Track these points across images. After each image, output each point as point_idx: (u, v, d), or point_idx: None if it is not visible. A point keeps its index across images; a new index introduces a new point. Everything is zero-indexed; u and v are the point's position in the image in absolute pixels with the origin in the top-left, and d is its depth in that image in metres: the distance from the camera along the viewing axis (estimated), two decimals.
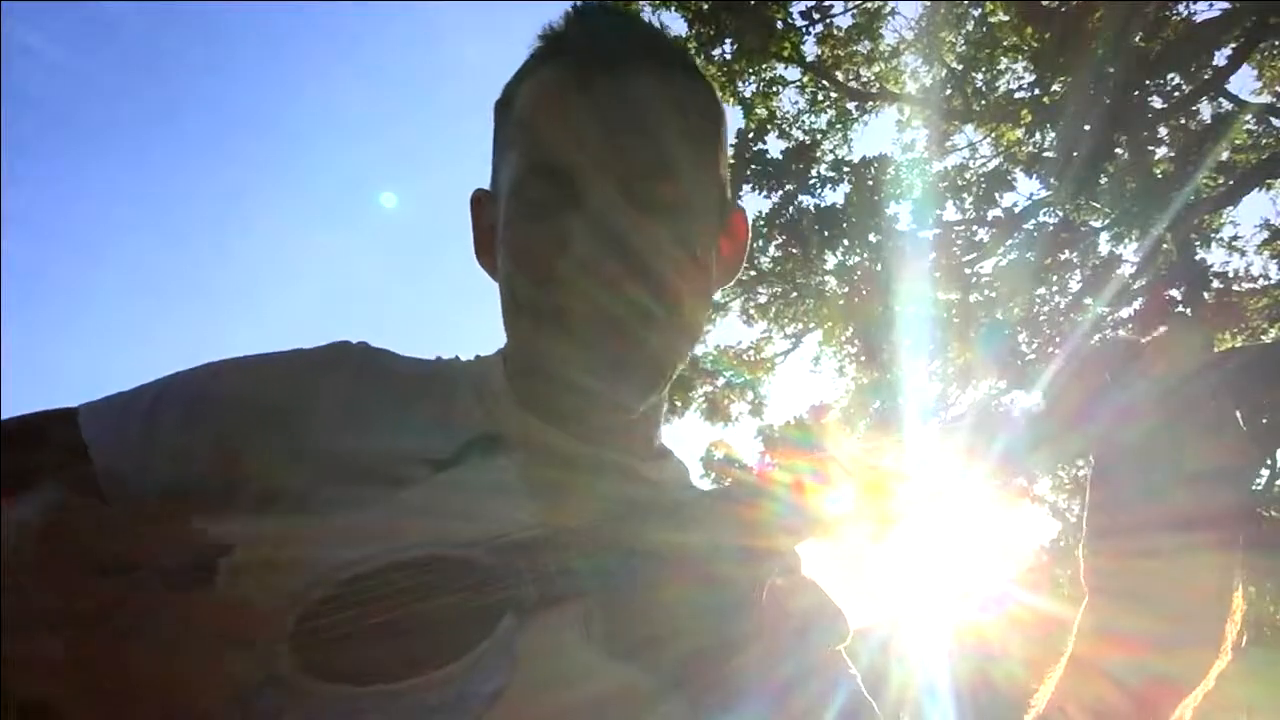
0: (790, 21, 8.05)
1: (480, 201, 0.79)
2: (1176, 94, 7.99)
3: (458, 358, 0.79)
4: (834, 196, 8.33)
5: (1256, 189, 7.97)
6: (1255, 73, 8.47)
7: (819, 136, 8.78)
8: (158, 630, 0.52)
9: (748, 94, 8.36)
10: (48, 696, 0.49)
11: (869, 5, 8.60)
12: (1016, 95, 8.64)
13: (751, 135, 8.35)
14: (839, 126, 8.89)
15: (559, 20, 0.73)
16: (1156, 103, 7.96)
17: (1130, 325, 8.62)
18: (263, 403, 0.67)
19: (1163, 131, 8.27)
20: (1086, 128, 7.28)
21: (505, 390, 0.74)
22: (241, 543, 0.57)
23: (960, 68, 8.90)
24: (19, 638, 0.49)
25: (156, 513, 0.59)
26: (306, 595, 0.56)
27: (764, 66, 8.25)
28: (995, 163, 9.03)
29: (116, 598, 0.51)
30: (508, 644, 0.56)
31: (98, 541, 0.54)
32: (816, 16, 8.22)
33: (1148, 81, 7.56)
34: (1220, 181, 7.95)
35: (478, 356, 0.79)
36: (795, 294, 8.91)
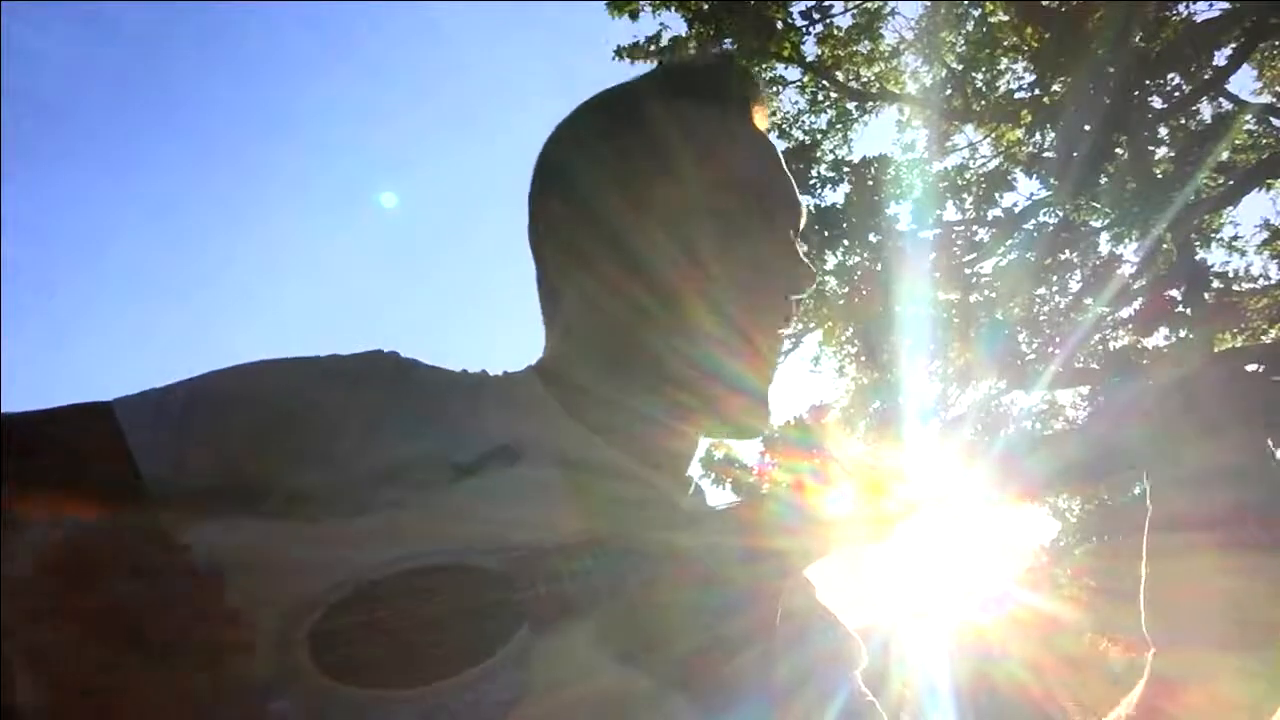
0: (790, 21, 8.05)
1: (553, 209, 0.81)
2: (1176, 94, 8.00)
3: (485, 371, 0.80)
4: (834, 196, 8.35)
5: (1256, 189, 7.98)
6: (1255, 73, 8.50)
7: (819, 136, 8.79)
8: (168, 639, 0.52)
9: None
10: (47, 703, 0.49)
11: (869, 5, 8.60)
12: (1016, 95, 8.65)
13: None
14: (839, 126, 8.90)
15: (710, 59, 0.84)
16: (1156, 103, 7.97)
17: (1130, 325, 8.64)
18: (294, 405, 0.67)
19: (1163, 131, 8.28)
20: (1086, 128, 7.29)
21: (535, 401, 0.75)
22: (262, 544, 0.58)
23: (960, 68, 8.91)
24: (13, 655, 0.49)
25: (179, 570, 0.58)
26: (325, 598, 0.56)
27: (764, 66, 8.25)
28: (995, 163, 9.04)
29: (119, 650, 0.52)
30: (524, 651, 0.57)
31: (110, 589, 0.54)
32: (816, 16, 8.23)
33: (1148, 81, 7.57)
34: (1220, 181, 7.96)
35: (505, 373, 0.80)
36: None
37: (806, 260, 0.77)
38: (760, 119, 0.81)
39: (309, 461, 0.65)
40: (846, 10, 8.47)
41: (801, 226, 0.80)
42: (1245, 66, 7.96)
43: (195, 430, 0.66)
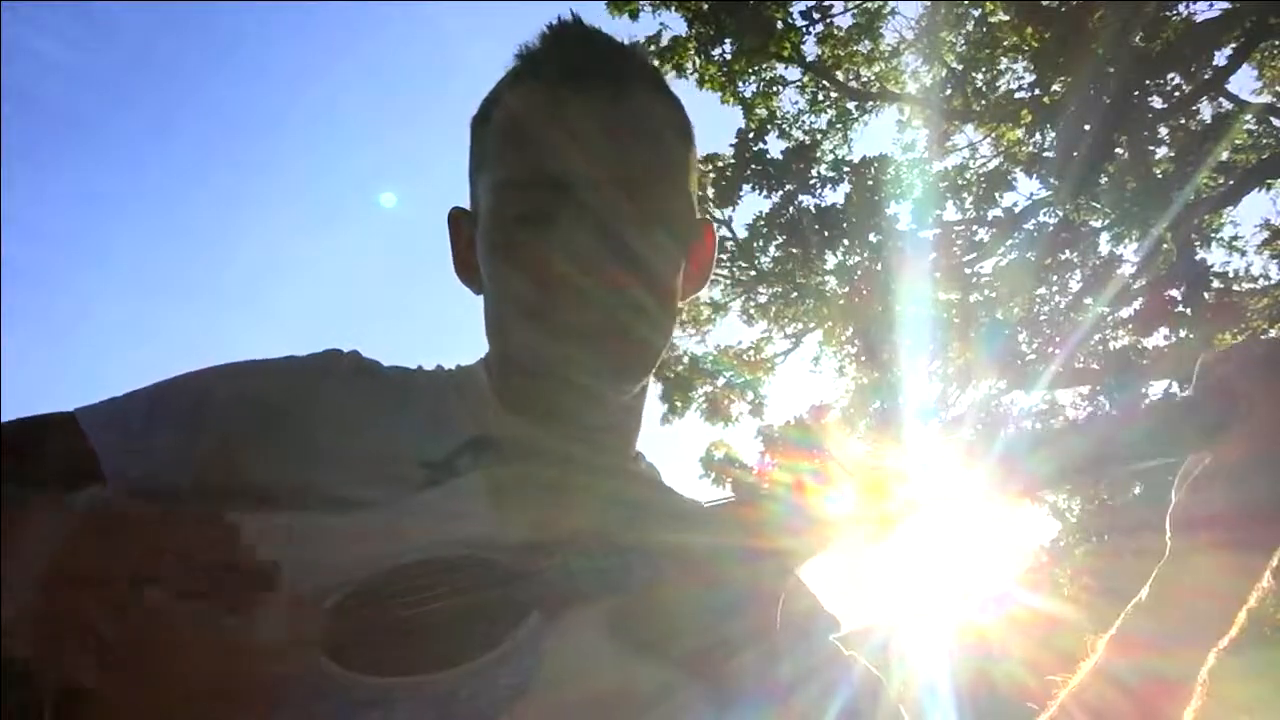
0: (790, 21, 8.05)
1: (458, 219, 0.81)
2: (1176, 94, 7.99)
3: (440, 367, 0.81)
4: (834, 196, 8.35)
5: (1256, 189, 7.98)
6: (1255, 73, 8.48)
7: (819, 136, 8.79)
8: (195, 628, 0.53)
9: (748, 94, 8.36)
10: (87, 685, 0.49)
11: (869, 5, 8.60)
12: (1016, 95, 8.65)
13: (751, 135, 8.35)
14: (839, 126, 8.89)
15: (537, 40, 0.76)
16: (1156, 103, 7.97)
17: (1130, 325, 8.64)
18: (260, 405, 0.68)
19: (1163, 131, 8.28)
20: (1086, 128, 7.29)
21: (491, 396, 0.76)
22: (264, 541, 0.58)
23: (960, 68, 8.91)
24: (64, 629, 0.50)
25: (200, 516, 0.59)
26: (336, 591, 0.57)
27: (764, 66, 8.25)
28: (995, 163, 9.04)
29: (160, 603, 0.52)
30: (533, 640, 0.58)
31: (142, 544, 0.55)
32: (816, 16, 8.22)
33: (1148, 81, 7.57)
34: (1220, 181, 7.96)
35: (458, 366, 0.81)
36: (795, 294, 8.92)
37: (577, 255, 0.68)
38: (599, 87, 0.71)
39: (275, 460, 0.66)
40: (846, 10, 8.47)
41: (609, 197, 0.69)
42: (1245, 66, 7.95)
43: (158, 434, 0.66)
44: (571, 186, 0.69)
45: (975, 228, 8.97)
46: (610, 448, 0.77)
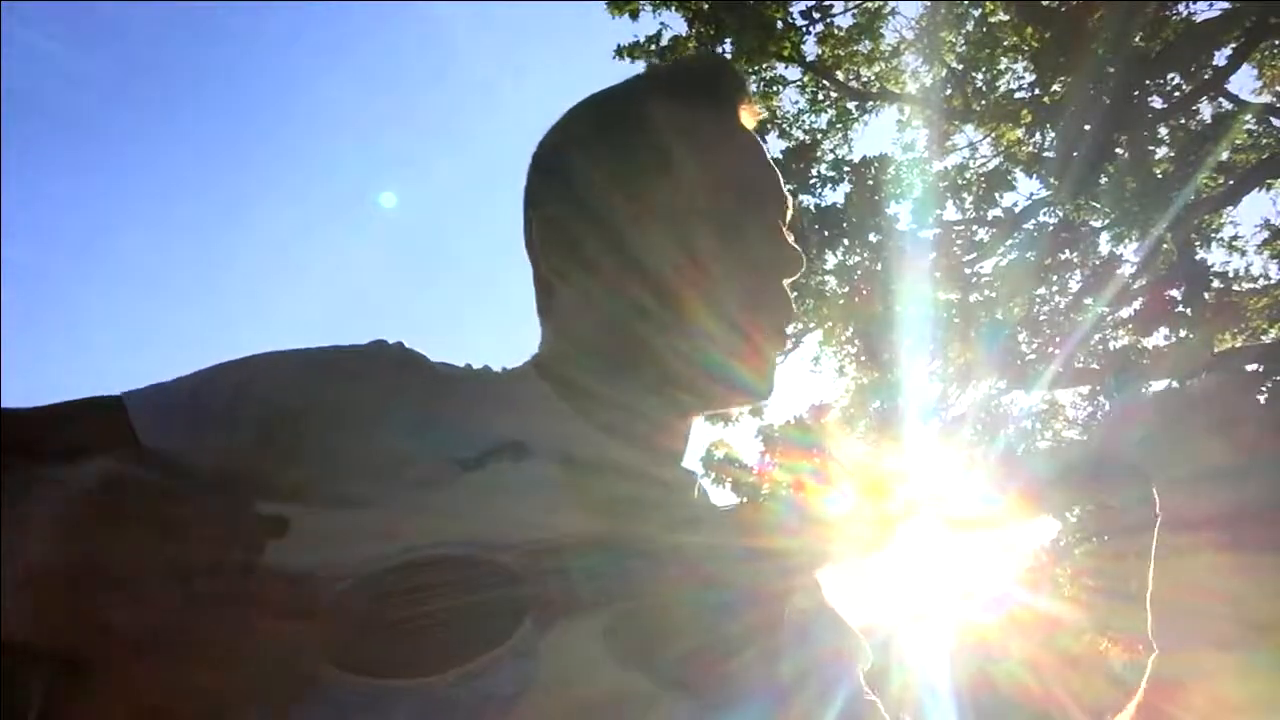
0: (790, 21, 8.05)
1: (552, 219, 0.81)
2: (1176, 94, 7.99)
3: (487, 367, 0.80)
4: (834, 196, 8.35)
5: (1256, 189, 7.98)
6: (1255, 73, 8.48)
7: (819, 136, 8.79)
8: (210, 606, 0.52)
9: None
10: (92, 656, 0.49)
11: (869, 5, 8.60)
12: (1016, 95, 8.65)
13: None
14: (839, 126, 8.89)
15: (696, 63, 0.88)
16: (1156, 103, 7.96)
17: (1130, 325, 8.63)
18: (298, 396, 0.67)
19: (1163, 131, 8.28)
20: (1086, 128, 7.29)
21: (538, 398, 0.75)
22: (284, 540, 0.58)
23: (960, 68, 8.90)
24: (68, 595, 0.49)
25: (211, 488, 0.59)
26: (331, 588, 0.57)
27: (764, 66, 8.25)
28: (995, 163, 9.03)
29: (177, 570, 0.52)
30: (530, 645, 0.57)
31: (157, 510, 0.54)
32: (816, 16, 8.22)
33: (1148, 81, 7.57)
34: (1220, 181, 7.96)
35: (504, 368, 0.80)
36: (795, 294, 8.91)
37: (794, 245, 0.80)
38: (749, 118, 0.84)
39: (312, 455, 0.65)
40: (846, 10, 8.47)
41: (789, 217, 0.83)
42: (1245, 66, 7.95)
43: (203, 423, 0.66)
44: (768, 201, 0.81)
45: (975, 228, 8.97)
46: (660, 452, 0.78)
